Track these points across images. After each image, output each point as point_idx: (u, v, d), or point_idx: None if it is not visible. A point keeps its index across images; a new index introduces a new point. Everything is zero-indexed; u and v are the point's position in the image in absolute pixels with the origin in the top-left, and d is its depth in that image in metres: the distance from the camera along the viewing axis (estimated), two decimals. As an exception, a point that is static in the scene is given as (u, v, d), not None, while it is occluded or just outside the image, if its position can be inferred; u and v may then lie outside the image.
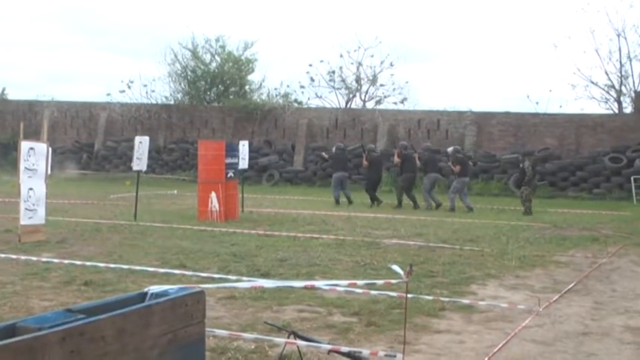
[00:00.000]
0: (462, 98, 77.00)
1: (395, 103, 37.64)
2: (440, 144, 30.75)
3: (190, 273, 9.29)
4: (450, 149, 22.10)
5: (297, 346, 5.59)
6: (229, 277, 9.10)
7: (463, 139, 30.30)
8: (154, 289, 4.11)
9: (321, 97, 38.85)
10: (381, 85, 38.46)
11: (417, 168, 21.76)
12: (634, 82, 32.31)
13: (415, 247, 12.43)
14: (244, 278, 8.90)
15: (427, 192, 20.96)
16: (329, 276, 9.52)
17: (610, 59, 32.69)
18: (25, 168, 12.03)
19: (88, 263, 9.89)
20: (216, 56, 38.65)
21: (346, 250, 11.80)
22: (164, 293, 4.00)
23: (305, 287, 7.87)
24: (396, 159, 22.39)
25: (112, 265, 9.73)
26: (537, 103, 33.75)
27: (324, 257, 10.96)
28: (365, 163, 22.45)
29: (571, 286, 9.23)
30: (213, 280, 8.79)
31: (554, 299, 8.35)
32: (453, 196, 20.39)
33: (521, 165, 21.03)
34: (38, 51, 66.98)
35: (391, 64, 38.01)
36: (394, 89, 38.09)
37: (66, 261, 10.06)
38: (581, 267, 10.82)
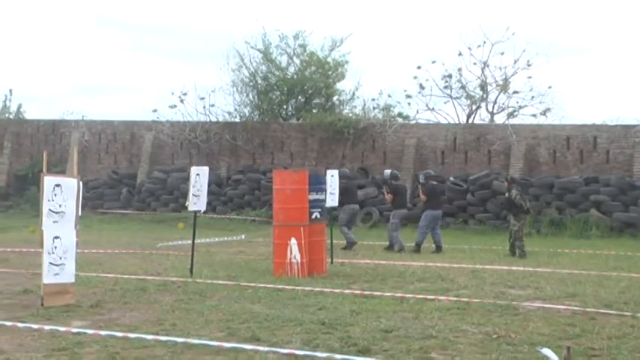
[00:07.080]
0: (628, 107, 75.28)
1: (534, 116, 37.28)
2: (598, 170, 30.22)
3: (266, 349, 9.29)
4: (386, 172, 23.75)
5: None
6: (317, 354, 9.07)
7: (631, 163, 29.66)
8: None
9: (433, 109, 38.75)
10: (515, 92, 38.09)
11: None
12: None
13: (567, 314, 12.16)
14: (337, 356, 8.86)
15: (344, 226, 22.47)
16: (450, 352, 9.41)
17: None
18: (50, 210, 12.18)
19: (132, 335, 10.00)
20: (294, 58, 39.08)
21: (472, 317, 11.64)
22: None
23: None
24: None
25: (163, 338, 9.82)
26: None
27: (443, 327, 10.84)
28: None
29: None
30: (295, 358, 8.80)
31: None
32: (394, 234, 22.27)
33: (506, 194, 21.83)
34: (63, 55, 68.91)
35: (528, 64, 37.68)
36: (533, 97, 37.69)
37: (103, 332, 10.21)
38: None
